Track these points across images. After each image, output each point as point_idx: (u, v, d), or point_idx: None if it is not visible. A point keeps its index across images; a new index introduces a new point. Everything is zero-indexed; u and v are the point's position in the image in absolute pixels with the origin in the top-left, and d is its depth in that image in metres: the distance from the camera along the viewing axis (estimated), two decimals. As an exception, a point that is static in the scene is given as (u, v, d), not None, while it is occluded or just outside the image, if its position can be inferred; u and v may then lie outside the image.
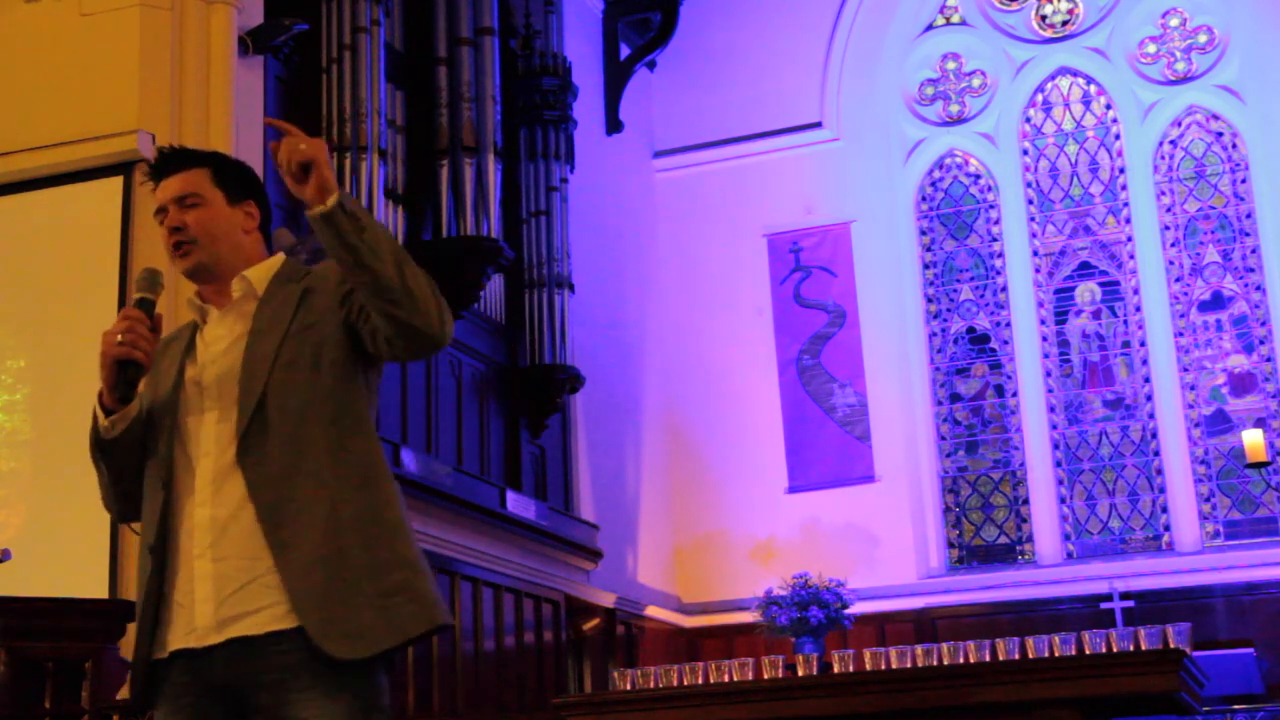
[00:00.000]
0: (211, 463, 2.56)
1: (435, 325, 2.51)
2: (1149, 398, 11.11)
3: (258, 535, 2.51)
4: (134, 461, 2.66)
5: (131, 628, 5.49)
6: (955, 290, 11.68)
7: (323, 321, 2.60)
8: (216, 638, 2.49)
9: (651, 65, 12.05)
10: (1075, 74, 11.77)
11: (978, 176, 11.86)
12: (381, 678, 2.53)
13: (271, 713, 2.48)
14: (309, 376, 2.57)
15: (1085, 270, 11.48)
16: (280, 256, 2.75)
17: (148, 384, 2.69)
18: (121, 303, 6.69)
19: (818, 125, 11.78)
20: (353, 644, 2.44)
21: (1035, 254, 11.55)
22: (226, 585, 2.49)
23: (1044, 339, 11.41)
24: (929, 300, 11.70)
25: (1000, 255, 11.62)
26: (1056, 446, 11.23)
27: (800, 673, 5.48)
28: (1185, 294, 11.20)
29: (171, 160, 2.72)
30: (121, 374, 2.59)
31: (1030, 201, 11.66)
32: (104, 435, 2.63)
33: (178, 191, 2.68)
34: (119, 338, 2.58)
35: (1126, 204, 11.42)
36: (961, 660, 5.18)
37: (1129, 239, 11.37)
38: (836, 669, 5.31)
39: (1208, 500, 10.88)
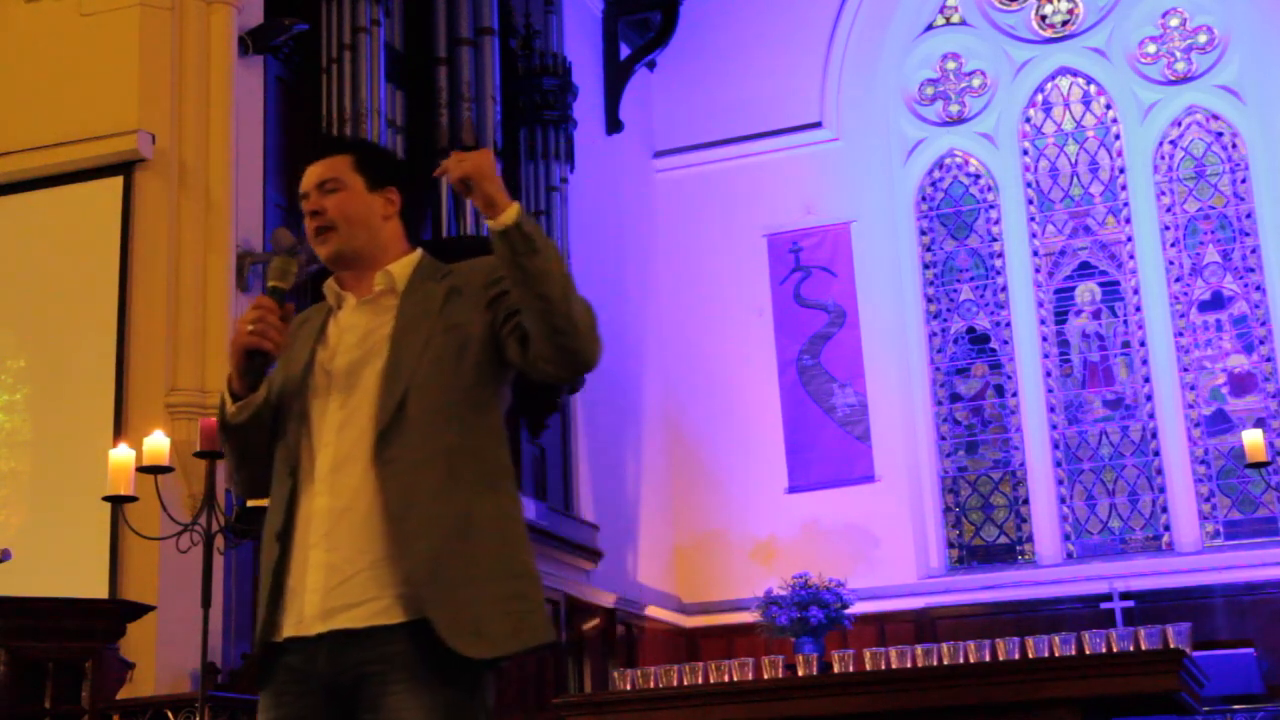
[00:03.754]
0: (330, 452, 2.57)
1: (592, 356, 2.56)
2: (1149, 398, 11.11)
3: (370, 527, 2.51)
4: (260, 445, 2.66)
5: (132, 628, 5.51)
6: (955, 290, 11.68)
7: (469, 322, 2.61)
8: (321, 627, 2.49)
9: (651, 65, 12.06)
10: (1075, 74, 11.77)
11: (978, 176, 11.86)
12: (484, 678, 2.53)
13: (373, 704, 2.47)
14: (452, 375, 2.57)
15: (1085, 270, 11.48)
16: (419, 251, 2.74)
17: (279, 366, 2.69)
18: (122, 304, 6.70)
19: (818, 125, 11.78)
20: (479, 644, 2.46)
21: (1035, 254, 11.54)
22: (335, 575, 2.50)
23: (1044, 339, 11.41)
24: (929, 300, 11.70)
25: (1000, 255, 11.62)
26: (1056, 446, 11.23)
27: (800, 673, 5.48)
28: (1185, 294, 11.20)
29: (316, 148, 2.80)
30: (250, 362, 2.59)
31: (1030, 201, 11.66)
32: (230, 420, 2.63)
33: (319, 177, 2.70)
34: (249, 326, 2.57)
35: (1126, 204, 11.42)
36: (961, 660, 5.18)
37: (1129, 239, 11.37)
38: (836, 669, 5.31)
39: (1208, 500, 10.88)
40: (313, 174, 2.72)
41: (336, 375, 2.62)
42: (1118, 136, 11.56)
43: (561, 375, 2.57)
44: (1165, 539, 10.89)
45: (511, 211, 2.49)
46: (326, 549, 2.52)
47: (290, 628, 2.53)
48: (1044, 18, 11.92)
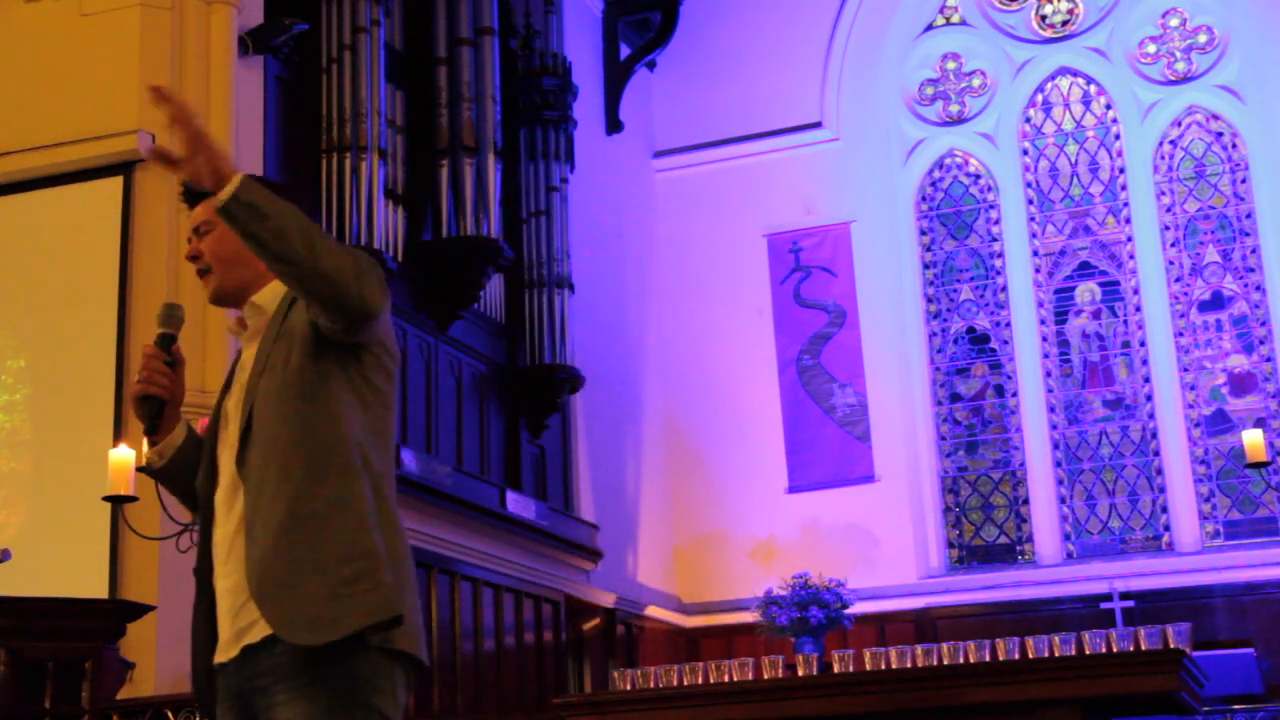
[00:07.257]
0: (225, 484, 2.65)
1: (352, 297, 2.49)
2: (1149, 398, 11.11)
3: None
4: (194, 486, 2.79)
5: (132, 628, 5.51)
6: (955, 290, 11.69)
7: (297, 323, 2.63)
8: (235, 650, 2.58)
9: (651, 65, 12.06)
10: (1075, 74, 11.77)
11: (978, 176, 11.86)
12: (364, 666, 2.52)
13: (265, 715, 2.54)
14: (280, 378, 2.60)
15: (1085, 270, 11.48)
16: None
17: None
18: (122, 304, 6.70)
19: (818, 125, 11.78)
20: (311, 632, 2.47)
21: (1035, 254, 11.55)
22: (238, 597, 2.58)
23: (1044, 339, 11.42)
24: (929, 300, 11.70)
25: (1000, 255, 11.62)
26: (1056, 446, 11.23)
27: (800, 673, 5.49)
28: (1185, 294, 11.20)
29: (193, 193, 2.76)
30: (145, 408, 2.73)
31: (1030, 201, 11.66)
32: (151, 466, 2.81)
33: (195, 221, 2.76)
34: (138, 375, 2.73)
35: (1126, 204, 11.42)
36: (961, 660, 5.18)
37: (1129, 239, 11.37)
38: (836, 669, 5.31)
39: (1208, 500, 10.88)
40: (191, 218, 2.76)
41: (231, 412, 2.70)
42: (1118, 136, 11.56)
43: (343, 327, 2.54)
44: (1165, 539, 10.89)
45: (232, 184, 2.46)
46: (226, 575, 2.61)
47: (218, 655, 2.63)
48: (1044, 18, 11.92)
